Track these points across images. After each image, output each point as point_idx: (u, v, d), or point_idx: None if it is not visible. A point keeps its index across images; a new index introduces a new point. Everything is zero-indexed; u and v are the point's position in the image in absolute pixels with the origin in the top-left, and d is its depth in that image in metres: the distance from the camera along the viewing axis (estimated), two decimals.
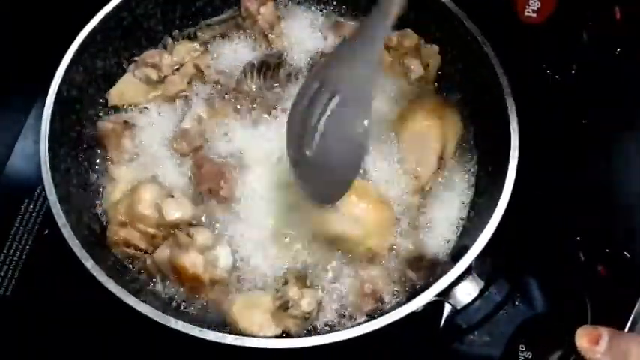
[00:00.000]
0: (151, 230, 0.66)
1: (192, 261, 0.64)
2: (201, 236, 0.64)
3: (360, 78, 0.54)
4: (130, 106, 0.76)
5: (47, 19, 0.89)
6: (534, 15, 0.93)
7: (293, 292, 0.63)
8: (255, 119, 0.74)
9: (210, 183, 0.69)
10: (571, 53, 0.89)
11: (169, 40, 0.81)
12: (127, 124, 0.74)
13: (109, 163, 0.73)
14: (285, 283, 0.65)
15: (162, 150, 0.73)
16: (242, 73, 0.76)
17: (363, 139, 0.54)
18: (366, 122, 0.53)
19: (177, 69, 0.77)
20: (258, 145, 0.72)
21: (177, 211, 0.66)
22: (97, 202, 0.71)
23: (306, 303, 0.62)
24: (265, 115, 0.75)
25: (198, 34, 0.82)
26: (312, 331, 0.64)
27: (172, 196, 0.67)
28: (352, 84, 0.55)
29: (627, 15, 0.90)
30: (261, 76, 0.75)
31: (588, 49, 0.89)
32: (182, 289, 0.66)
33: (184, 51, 0.78)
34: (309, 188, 0.60)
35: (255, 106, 0.75)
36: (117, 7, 0.73)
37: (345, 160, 0.56)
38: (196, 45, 0.79)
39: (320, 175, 0.57)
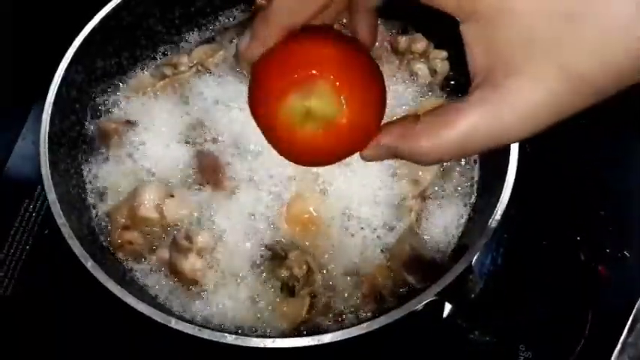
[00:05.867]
0: (154, 231, 0.67)
1: (191, 266, 0.64)
2: (201, 239, 0.64)
3: None
4: (134, 99, 0.76)
5: (47, 19, 0.89)
6: None
7: (293, 255, 0.63)
8: None
9: (210, 177, 0.70)
10: None
11: (189, 45, 0.81)
12: (130, 123, 0.74)
13: (110, 162, 0.73)
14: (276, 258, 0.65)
15: (163, 147, 0.73)
16: None
17: None
18: None
19: (191, 67, 0.78)
20: (255, 135, 0.72)
21: (178, 211, 0.67)
22: (97, 202, 0.71)
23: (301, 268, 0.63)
24: None
25: (217, 37, 0.82)
26: (313, 331, 0.64)
27: (172, 196, 0.67)
28: None
29: None
30: None
31: None
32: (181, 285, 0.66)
33: (202, 51, 0.79)
34: None
35: None
36: (117, 7, 0.72)
37: None
38: (214, 46, 0.80)
39: None
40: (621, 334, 0.70)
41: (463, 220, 0.71)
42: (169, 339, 0.59)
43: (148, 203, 0.66)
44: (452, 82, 0.78)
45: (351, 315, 0.65)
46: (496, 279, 0.73)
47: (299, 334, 0.63)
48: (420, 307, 0.58)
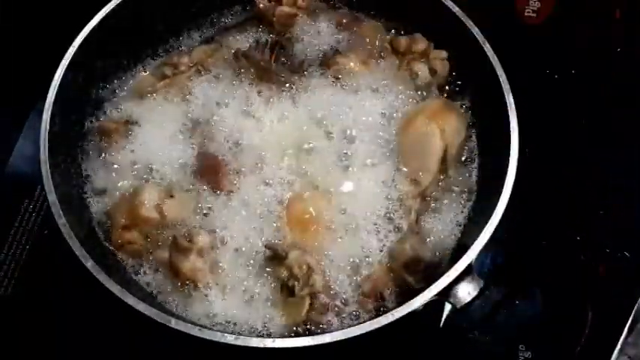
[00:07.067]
0: (154, 231, 0.67)
1: (191, 266, 0.64)
2: (201, 239, 0.64)
3: None
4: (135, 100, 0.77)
5: (47, 19, 0.89)
6: (534, 15, 0.93)
7: (293, 255, 0.63)
8: (257, 102, 0.75)
9: (210, 177, 0.70)
10: (571, 53, 0.89)
11: (189, 45, 0.82)
12: (130, 123, 0.74)
13: (110, 162, 0.73)
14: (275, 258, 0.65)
15: (162, 148, 0.73)
16: (254, 42, 0.77)
17: None
18: None
19: (191, 67, 0.78)
20: (255, 135, 0.73)
21: (177, 212, 0.67)
22: (97, 202, 0.71)
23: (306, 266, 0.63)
24: (268, 93, 0.75)
25: (216, 37, 0.82)
26: (313, 331, 0.64)
27: (172, 196, 0.67)
28: None
29: (627, 14, 0.90)
30: (274, 55, 0.76)
31: (588, 49, 0.89)
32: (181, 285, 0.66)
33: (202, 51, 0.79)
34: None
35: (258, 76, 0.76)
36: (117, 7, 0.72)
37: None
38: (214, 46, 0.80)
39: None
40: (621, 334, 0.70)
41: (463, 220, 0.71)
42: (169, 339, 0.59)
43: (148, 203, 0.66)
44: (451, 83, 0.78)
45: (351, 315, 0.65)
46: (496, 279, 0.73)
47: (299, 334, 0.63)
48: (420, 307, 0.58)
